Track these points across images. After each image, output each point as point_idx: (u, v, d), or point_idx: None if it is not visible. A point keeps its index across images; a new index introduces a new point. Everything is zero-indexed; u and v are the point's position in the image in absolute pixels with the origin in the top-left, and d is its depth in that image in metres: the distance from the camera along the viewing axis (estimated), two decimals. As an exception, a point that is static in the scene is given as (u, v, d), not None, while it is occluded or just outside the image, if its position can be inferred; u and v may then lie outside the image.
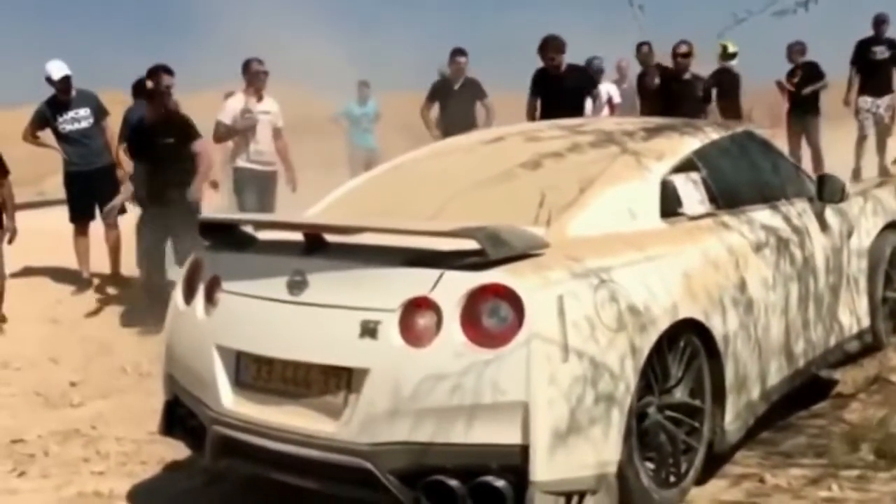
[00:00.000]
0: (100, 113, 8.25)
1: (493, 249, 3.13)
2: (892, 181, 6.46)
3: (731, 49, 10.77)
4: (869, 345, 5.09)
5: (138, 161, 7.48)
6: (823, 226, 4.72)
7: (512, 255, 3.18)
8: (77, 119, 8.14)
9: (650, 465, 3.50)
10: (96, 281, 8.15)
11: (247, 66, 8.22)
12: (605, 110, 10.28)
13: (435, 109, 9.48)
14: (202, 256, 3.86)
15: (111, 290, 8.06)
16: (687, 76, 9.29)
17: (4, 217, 7.26)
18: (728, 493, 3.79)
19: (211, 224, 3.95)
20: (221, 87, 9.58)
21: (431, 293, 3.15)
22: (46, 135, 8.35)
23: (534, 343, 3.04)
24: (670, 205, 3.94)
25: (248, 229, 3.88)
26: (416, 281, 3.18)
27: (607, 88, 10.73)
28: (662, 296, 3.46)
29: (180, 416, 3.87)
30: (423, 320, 3.16)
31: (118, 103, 8.51)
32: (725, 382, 3.78)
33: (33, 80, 10.05)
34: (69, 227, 8.19)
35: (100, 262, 8.18)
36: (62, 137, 8.18)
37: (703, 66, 10.11)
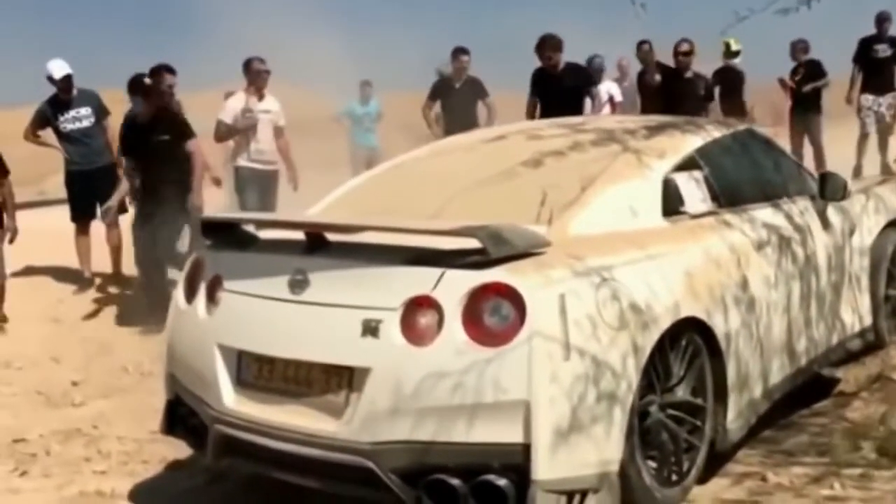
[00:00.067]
0: (101, 112, 8.26)
1: (494, 248, 3.12)
2: (893, 179, 6.46)
3: (735, 47, 10.75)
4: (871, 343, 5.09)
5: (130, 158, 7.47)
6: (825, 224, 4.71)
7: (513, 254, 3.17)
8: (78, 118, 8.15)
9: (652, 464, 3.50)
10: (98, 280, 8.15)
11: (248, 65, 8.20)
12: (607, 108, 10.24)
13: (436, 109, 9.47)
14: (204, 255, 3.86)
15: (112, 290, 8.07)
16: (688, 74, 9.26)
17: (5, 217, 7.26)
18: (730, 491, 3.79)
19: (212, 223, 3.95)
20: (222, 87, 9.57)
21: (433, 292, 3.15)
22: (47, 134, 8.36)
23: (535, 341, 3.04)
24: (672, 203, 3.93)
25: (250, 228, 3.88)
26: (418, 280, 3.18)
27: (608, 87, 10.69)
28: (664, 294, 3.46)
29: (182, 416, 3.88)
30: (425, 319, 3.15)
31: (119, 103, 8.50)
32: (727, 381, 3.77)
33: (33, 80, 10.08)
34: (70, 227, 8.19)
35: (101, 261, 8.18)
36: (63, 136, 8.19)
37: (705, 64, 10.11)
